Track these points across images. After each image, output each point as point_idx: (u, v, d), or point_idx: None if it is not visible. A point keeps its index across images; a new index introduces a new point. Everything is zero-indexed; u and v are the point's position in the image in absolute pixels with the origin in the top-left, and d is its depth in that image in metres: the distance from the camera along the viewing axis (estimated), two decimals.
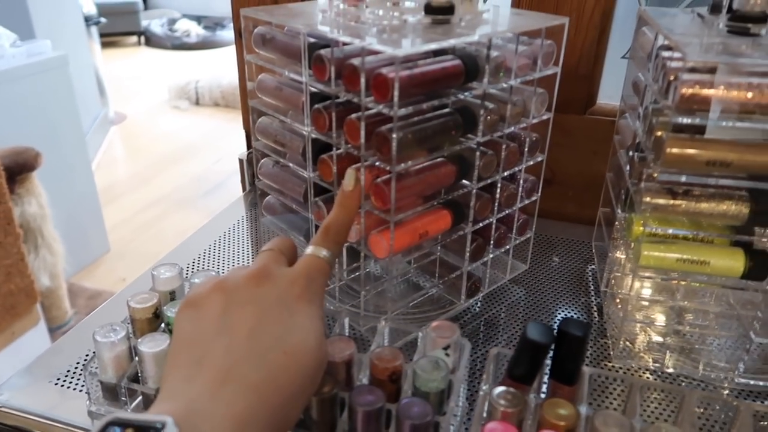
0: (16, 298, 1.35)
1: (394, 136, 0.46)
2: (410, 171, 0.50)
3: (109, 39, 5.20)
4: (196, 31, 5.39)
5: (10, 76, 1.81)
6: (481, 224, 0.57)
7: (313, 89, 0.51)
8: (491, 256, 0.61)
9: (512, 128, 0.55)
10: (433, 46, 0.45)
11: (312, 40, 0.51)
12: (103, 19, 3.74)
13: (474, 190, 0.54)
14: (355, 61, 0.46)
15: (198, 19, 5.62)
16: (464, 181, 0.55)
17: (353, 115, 0.48)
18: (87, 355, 0.54)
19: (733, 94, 0.42)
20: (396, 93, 0.44)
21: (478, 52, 0.50)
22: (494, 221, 0.58)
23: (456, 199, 0.55)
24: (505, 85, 0.52)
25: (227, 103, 3.95)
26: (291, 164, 0.58)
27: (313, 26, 0.50)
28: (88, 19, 3.30)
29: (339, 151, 0.52)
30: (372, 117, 0.48)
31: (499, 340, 0.58)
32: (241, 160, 0.86)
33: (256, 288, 0.36)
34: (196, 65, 4.74)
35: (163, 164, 3.12)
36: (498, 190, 0.57)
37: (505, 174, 0.56)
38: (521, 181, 0.59)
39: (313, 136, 0.53)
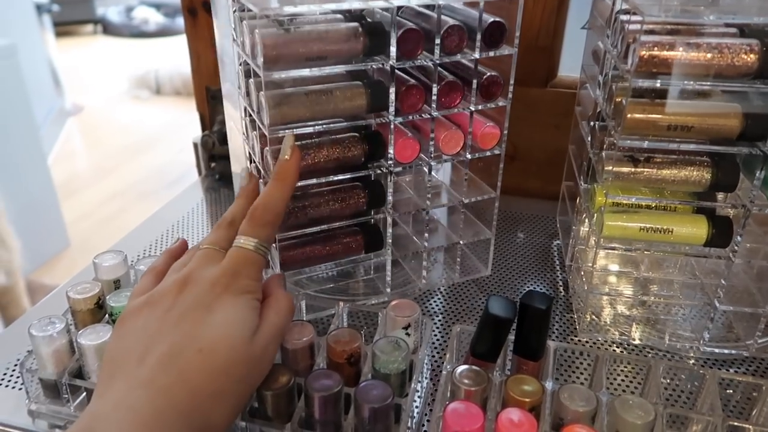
0: None
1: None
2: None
3: (64, 28, 5.00)
4: (155, 18, 5.23)
5: None
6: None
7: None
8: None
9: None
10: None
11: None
12: (55, 7, 3.61)
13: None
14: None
15: (157, 5, 5.46)
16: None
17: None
18: (29, 351, 0.51)
19: (693, 55, 0.41)
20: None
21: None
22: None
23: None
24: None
25: (189, 91, 3.84)
26: None
27: None
28: (39, 8, 3.17)
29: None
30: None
31: (464, 317, 0.56)
32: (195, 144, 0.82)
33: (176, 296, 0.36)
34: (156, 54, 4.60)
35: (124, 156, 3.02)
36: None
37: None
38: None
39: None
